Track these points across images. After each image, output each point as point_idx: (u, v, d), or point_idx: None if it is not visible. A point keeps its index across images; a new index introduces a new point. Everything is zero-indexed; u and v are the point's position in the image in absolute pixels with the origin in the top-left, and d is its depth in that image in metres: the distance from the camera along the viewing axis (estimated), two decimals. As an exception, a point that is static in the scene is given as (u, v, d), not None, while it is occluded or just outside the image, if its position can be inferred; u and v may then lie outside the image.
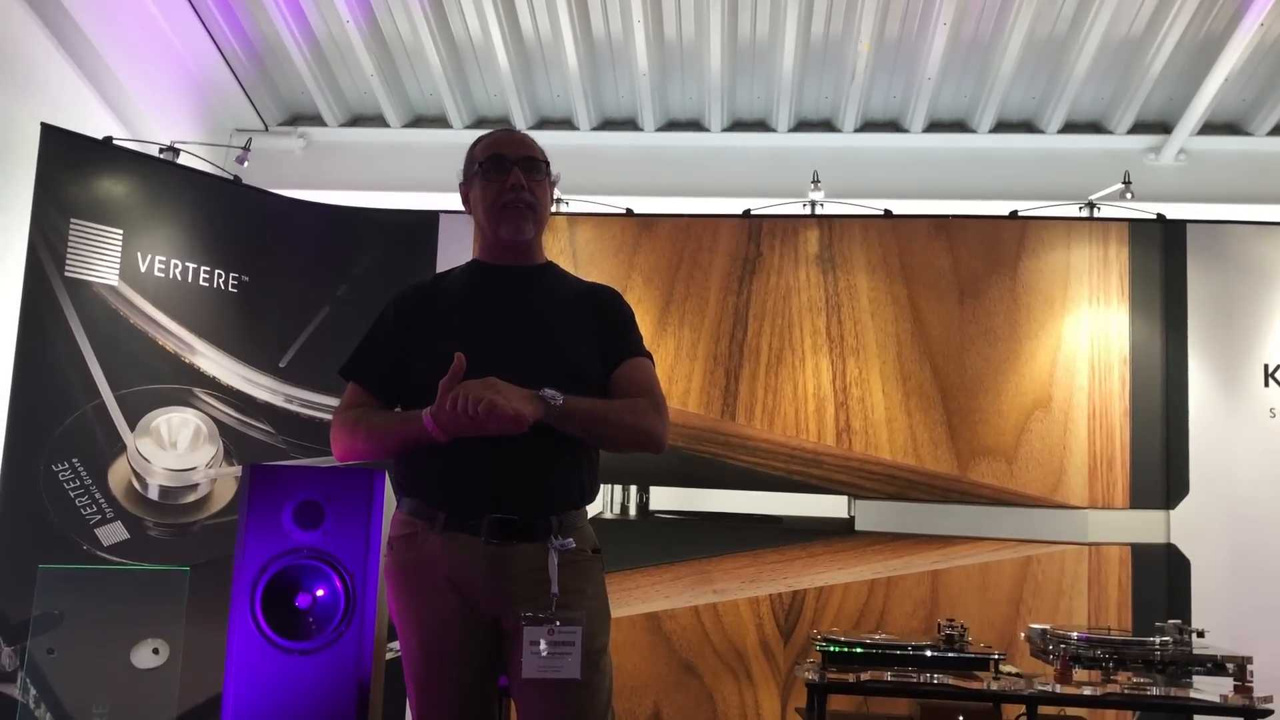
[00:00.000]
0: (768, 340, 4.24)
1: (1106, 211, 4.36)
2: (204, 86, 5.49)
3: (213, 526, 3.98)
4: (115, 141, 4.01)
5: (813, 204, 4.47)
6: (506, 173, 2.11)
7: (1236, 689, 3.01)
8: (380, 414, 2.07)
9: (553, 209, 2.31)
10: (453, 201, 4.53)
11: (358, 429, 2.04)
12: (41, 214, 3.71)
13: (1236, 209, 5.02)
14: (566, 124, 5.74)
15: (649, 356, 2.19)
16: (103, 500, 3.75)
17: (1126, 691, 3.11)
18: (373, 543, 2.48)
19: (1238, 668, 3.03)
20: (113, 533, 3.75)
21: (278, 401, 4.22)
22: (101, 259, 3.82)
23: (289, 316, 4.30)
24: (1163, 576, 3.99)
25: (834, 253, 4.28)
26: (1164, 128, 5.51)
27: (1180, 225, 4.21)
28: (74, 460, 3.70)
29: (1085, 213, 4.36)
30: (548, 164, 2.19)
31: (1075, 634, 3.18)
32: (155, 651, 3.67)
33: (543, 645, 1.91)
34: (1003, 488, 4.08)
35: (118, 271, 3.85)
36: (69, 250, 3.74)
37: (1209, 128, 5.45)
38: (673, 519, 4.27)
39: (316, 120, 5.84)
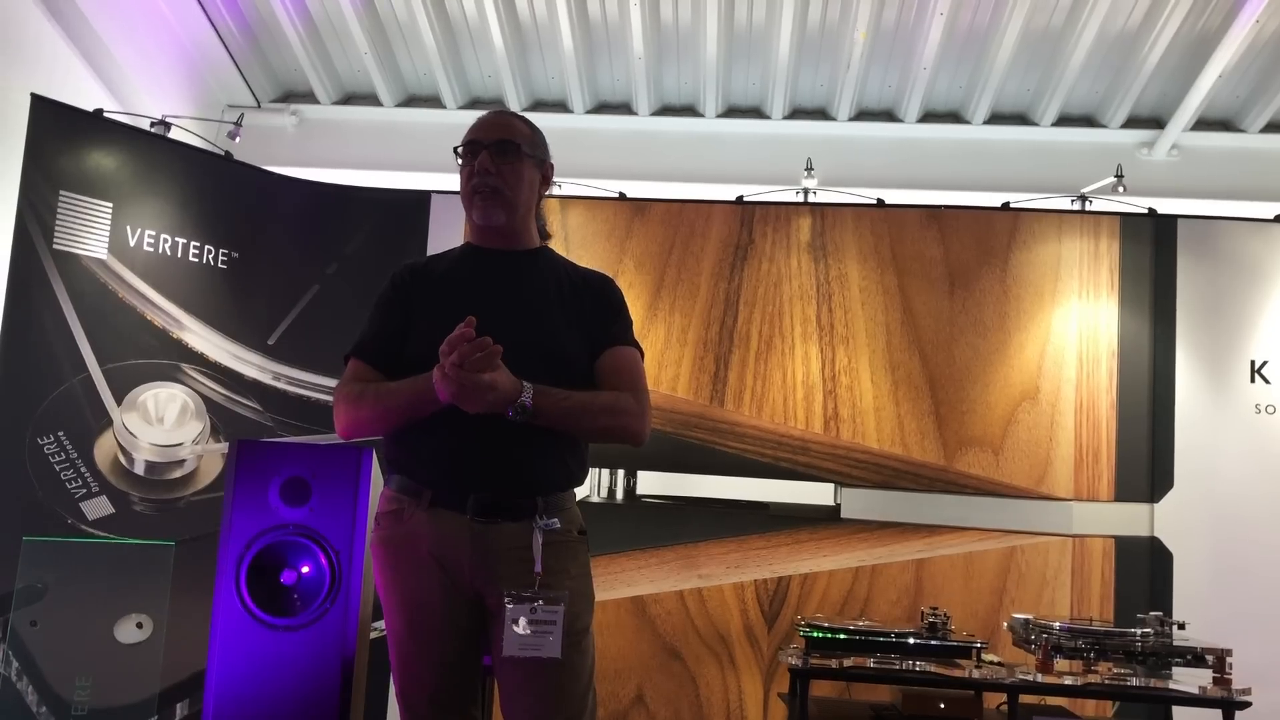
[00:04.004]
0: (758, 327, 4.24)
1: (1098, 205, 4.36)
2: (197, 61, 5.46)
3: (199, 502, 3.97)
4: (106, 114, 3.98)
5: (805, 192, 4.47)
6: (476, 157, 2.11)
7: (1215, 681, 3.04)
8: (386, 383, 2.04)
9: (547, 191, 2.28)
10: (445, 182, 4.51)
11: (364, 397, 2.02)
12: (30, 185, 3.68)
13: (1228, 205, 5.04)
14: (561, 106, 5.72)
15: (636, 346, 2.17)
16: (88, 474, 3.74)
17: (1107, 682, 3.14)
18: (359, 520, 2.48)
19: (1217, 660, 3.06)
20: (98, 507, 3.74)
21: (266, 379, 4.20)
22: (90, 232, 3.80)
23: (278, 294, 4.28)
24: (1145, 569, 4.01)
25: (826, 241, 4.28)
26: (1157, 123, 5.52)
27: (1171, 220, 4.23)
28: (60, 434, 3.69)
29: (1077, 206, 4.37)
30: (528, 145, 2.15)
31: (1057, 624, 3.21)
32: (139, 626, 3.66)
33: (525, 624, 1.91)
34: (989, 478, 4.10)
35: (106, 245, 3.83)
36: (58, 222, 3.72)
37: (1202, 124, 5.47)
38: (660, 504, 4.27)
39: (309, 98, 5.81)
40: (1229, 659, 3.05)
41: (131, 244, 3.90)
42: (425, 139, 5.66)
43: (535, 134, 2.20)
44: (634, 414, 2.07)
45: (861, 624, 3.35)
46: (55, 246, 3.71)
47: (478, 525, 1.97)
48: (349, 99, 5.88)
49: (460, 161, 2.15)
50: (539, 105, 5.75)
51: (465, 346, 1.81)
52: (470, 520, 1.97)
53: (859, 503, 4.14)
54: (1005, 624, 3.49)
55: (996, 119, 5.60)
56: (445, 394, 1.87)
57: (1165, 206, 4.35)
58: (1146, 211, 4.27)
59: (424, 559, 1.98)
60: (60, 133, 3.77)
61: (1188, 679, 3.10)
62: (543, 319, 2.09)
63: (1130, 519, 4.05)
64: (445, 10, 5.28)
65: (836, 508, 4.17)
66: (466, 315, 1.85)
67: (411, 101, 5.84)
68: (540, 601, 1.93)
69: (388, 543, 2.04)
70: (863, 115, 5.67)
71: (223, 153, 4.34)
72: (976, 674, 3.11)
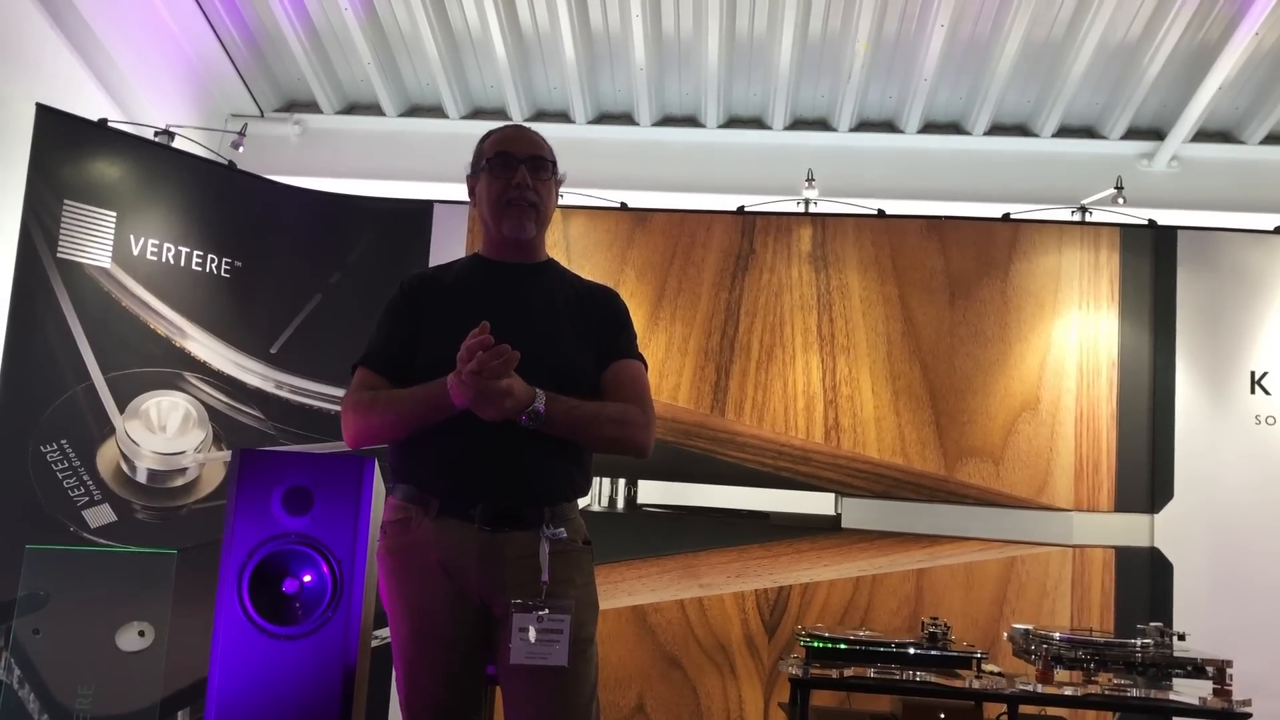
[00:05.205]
0: (759, 337, 4.25)
1: (1098, 216, 4.37)
2: (200, 71, 5.48)
3: (201, 511, 3.97)
4: (110, 124, 4.00)
5: (806, 202, 4.48)
6: (513, 170, 2.13)
7: (1216, 692, 3.03)
8: (397, 389, 2.05)
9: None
10: (447, 191, 4.52)
11: (375, 405, 2.03)
12: (35, 194, 3.70)
13: (1227, 216, 5.05)
14: (563, 117, 5.74)
15: (641, 359, 2.20)
16: (91, 482, 3.74)
17: (1107, 692, 3.13)
18: (361, 529, 2.48)
19: (1217, 671, 3.05)
20: (100, 515, 3.75)
21: (268, 387, 4.21)
22: (94, 241, 3.82)
23: (281, 303, 4.30)
24: (1145, 579, 4.01)
25: (826, 251, 4.29)
26: (1157, 134, 5.53)
27: (1171, 231, 4.24)
28: (63, 442, 3.69)
29: (1077, 217, 4.38)
30: (554, 163, 2.20)
31: (1057, 634, 3.20)
32: (141, 634, 3.67)
33: (531, 632, 1.92)
34: (989, 488, 4.10)
35: (110, 254, 3.85)
36: (62, 231, 3.74)
37: (1202, 135, 5.48)
38: (660, 513, 4.28)
39: (312, 107, 5.83)
40: (1229, 670, 3.05)
41: (135, 253, 3.91)
42: (428, 149, 5.68)
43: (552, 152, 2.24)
44: (640, 426, 2.09)
45: (862, 634, 3.35)
46: (59, 255, 3.73)
47: (485, 534, 1.98)
48: (352, 109, 5.90)
49: (491, 173, 2.15)
50: (541, 115, 5.77)
51: (483, 354, 1.83)
52: (478, 529, 1.98)
53: (859, 512, 4.15)
54: (1005, 634, 3.49)
55: (997, 130, 5.62)
56: (461, 400, 1.88)
57: (1165, 218, 4.36)
58: (1146, 223, 4.29)
59: (431, 568, 1.99)
60: (64, 142, 3.78)
61: (1188, 690, 3.10)
62: (551, 331, 2.11)
63: (1130, 529, 4.05)
64: (448, 20, 5.30)
65: (837, 517, 4.17)
66: (475, 326, 1.86)
67: (414, 111, 5.86)
68: (547, 610, 1.94)
69: (395, 552, 2.05)
70: (863, 126, 5.69)
71: (226, 162, 4.36)
72: (977, 684, 3.11)
